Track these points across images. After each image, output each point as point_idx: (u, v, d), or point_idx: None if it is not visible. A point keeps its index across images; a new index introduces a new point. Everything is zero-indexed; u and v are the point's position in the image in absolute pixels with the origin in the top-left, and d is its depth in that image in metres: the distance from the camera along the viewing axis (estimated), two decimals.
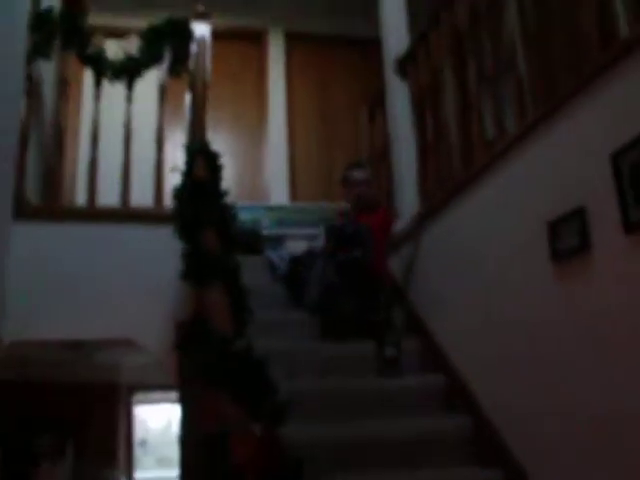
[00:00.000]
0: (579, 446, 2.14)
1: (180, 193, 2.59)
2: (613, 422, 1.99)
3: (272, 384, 1.72)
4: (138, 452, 6.92)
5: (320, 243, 3.48)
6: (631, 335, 1.92)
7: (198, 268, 2.14)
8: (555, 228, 2.27)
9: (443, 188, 3.24)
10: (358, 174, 3.72)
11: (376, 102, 4.36)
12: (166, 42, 3.50)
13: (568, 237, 2.21)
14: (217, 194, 2.55)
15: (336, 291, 3.22)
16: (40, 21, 3.41)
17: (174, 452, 6.63)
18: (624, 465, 1.95)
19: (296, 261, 3.56)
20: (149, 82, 3.66)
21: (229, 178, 3.18)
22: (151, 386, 6.67)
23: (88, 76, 3.93)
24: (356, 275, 3.25)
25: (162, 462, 7.13)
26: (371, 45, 4.68)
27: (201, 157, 2.71)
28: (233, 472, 1.35)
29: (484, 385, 2.76)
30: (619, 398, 1.97)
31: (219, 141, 3.10)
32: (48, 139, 3.91)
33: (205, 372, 1.71)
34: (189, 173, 2.65)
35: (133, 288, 3.21)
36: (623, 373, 1.96)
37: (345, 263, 3.26)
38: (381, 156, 4.24)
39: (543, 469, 2.34)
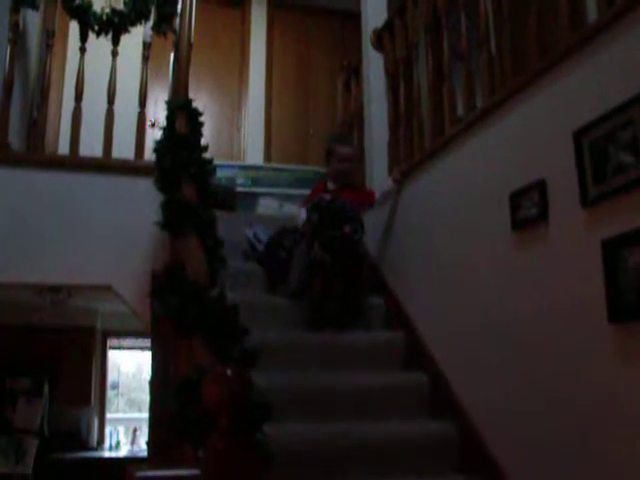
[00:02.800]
0: (529, 401, 2.17)
1: (161, 146, 2.53)
2: (561, 375, 2.03)
3: (243, 329, 1.70)
4: (110, 394, 6.92)
5: (303, 218, 3.13)
6: (578, 299, 1.95)
7: (176, 218, 2.10)
8: (517, 198, 2.27)
9: (412, 157, 3.21)
10: (345, 150, 3.33)
11: (353, 71, 4.30)
12: None
13: (528, 207, 2.21)
14: (197, 148, 2.50)
15: (324, 270, 2.90)
16: None
17: (143, 396, 6.67)
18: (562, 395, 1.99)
19: (274, 243, 3.23)
20: (134, 38, 3.55)
21: (207, 137, 3.12)
22: (124, 332, 6.65)
23: (74, 29, 3.78)
24: (346, 253, 2.93)
25: (132, 404, 7.15)
26: (351, 16, 4.60)
27: (183, 113, 2.65)
28: (205, 413, 1.33)
29: (439, 345, 2.79)
30: (569, 353, 2.00)
31: (199, 102, 3.02)
32: (32, 89, 3.79)
33: (179, 317, 1.68)
34: (170, 127, 2.59)
35: (112, 236, 3.15)
36: (566, 328, 1.99)
37: (335, 240, 2.90)
38: (354, 123, 4.20)
39: (488, 420, 2.38)
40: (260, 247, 3.32)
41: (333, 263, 2.90)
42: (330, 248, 2.91)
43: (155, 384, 2.73)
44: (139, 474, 1.27)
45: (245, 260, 3.40)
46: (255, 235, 3.40)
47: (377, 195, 3.34)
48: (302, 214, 3.17)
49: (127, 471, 1.28)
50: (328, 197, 3.06)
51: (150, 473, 1.38)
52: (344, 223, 2.93)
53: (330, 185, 3.32)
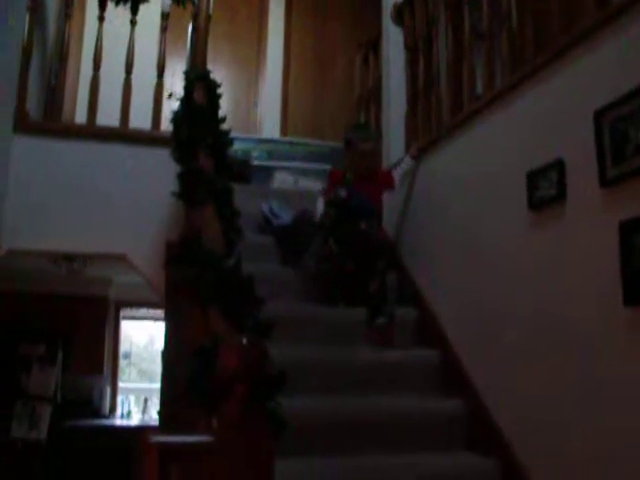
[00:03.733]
0: (540, 383, 2.18)
1: (178, 116, 2.53)
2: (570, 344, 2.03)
3: (259, 300, 1.72)
4: (122, 364, 7.00)
5: (320, 209, 3.14)
6: (594, 281, 1.94)
7: (193, 188, 2.11)
8: (534, 178, 2.25)
9: (430, 133, 3.19)
10: (366, 146, 3.24)
11: (371, 46, 4.26)
12: None
13: (546, 187, 2.19)
14: (214, 119, 2.50)
15: (337, 263, 2.96)
16: None
17: (154, 366, 6.74)
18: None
19: (292, 231, 3.27)
20: (153, 8, 3.53)
21: (224, 109, 3.11)
22: (137, 303, 6.70)
23: None
24: (361, 247, 2.95)
25: (143, 375, 7.24)
26: None
27: (201, 84, 2.64)
28: (219, 381, 1.35)
29: (452, 323, 2.79)
30: (583, 335, 2.00)
31: (216, 74, 3.01)
32: (51, 57, 3.79)
33: (195, 287, 1.69)
34: (188, 98, 2.58)
35: (128, 206, 3.17)
36: (581, 309, 1.99)
37: (351, 235, 2.95)
38: (371, 98, 4.17)
39: (499, 400, 2.39)
40: (276, 221, 3.35)
41: (346, 255, 2.95)
42: (346, 243, 2.96)
43: (168, 354, 2.76)
44: (155, 439, 1.30)
45: (260, 233, 3.43)
46: (271, 209, 3.45)
47: (394, 173, 3.33)
48: (320, 205, 3.18)
49: (143, 437, 1.31)
50: (344, 194, 3.03)
51: (165, 439, 1.40)
52: (360, 220, 2.97)
53: (349, 175, 3.27)
